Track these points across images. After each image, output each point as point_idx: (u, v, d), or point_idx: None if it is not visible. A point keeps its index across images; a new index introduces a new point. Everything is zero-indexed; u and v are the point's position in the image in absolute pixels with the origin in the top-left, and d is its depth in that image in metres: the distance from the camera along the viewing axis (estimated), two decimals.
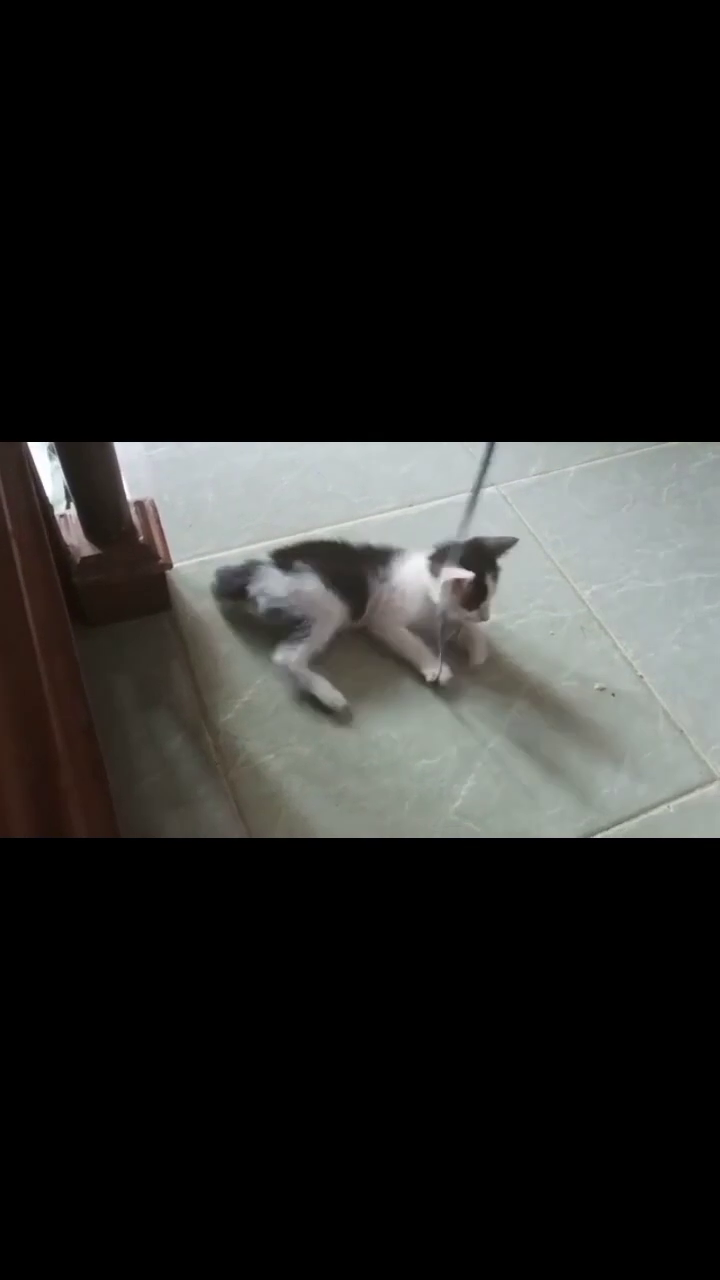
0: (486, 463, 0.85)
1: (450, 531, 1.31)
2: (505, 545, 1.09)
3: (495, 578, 1.08)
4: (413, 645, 1.11)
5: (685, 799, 1.02)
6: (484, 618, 1.11)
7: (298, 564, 1.09)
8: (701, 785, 1.03)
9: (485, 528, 1.23)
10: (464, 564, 1.02)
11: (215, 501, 1.30)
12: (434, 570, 1.07)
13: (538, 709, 1.09)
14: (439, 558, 1.06)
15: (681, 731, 1.08)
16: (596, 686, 1.12)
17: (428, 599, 1.09)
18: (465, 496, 0.92)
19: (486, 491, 1.38)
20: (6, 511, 0.61)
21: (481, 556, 1.06)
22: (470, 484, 0.88)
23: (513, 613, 1.20)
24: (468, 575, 1.02)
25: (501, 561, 1.09)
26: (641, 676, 1.14)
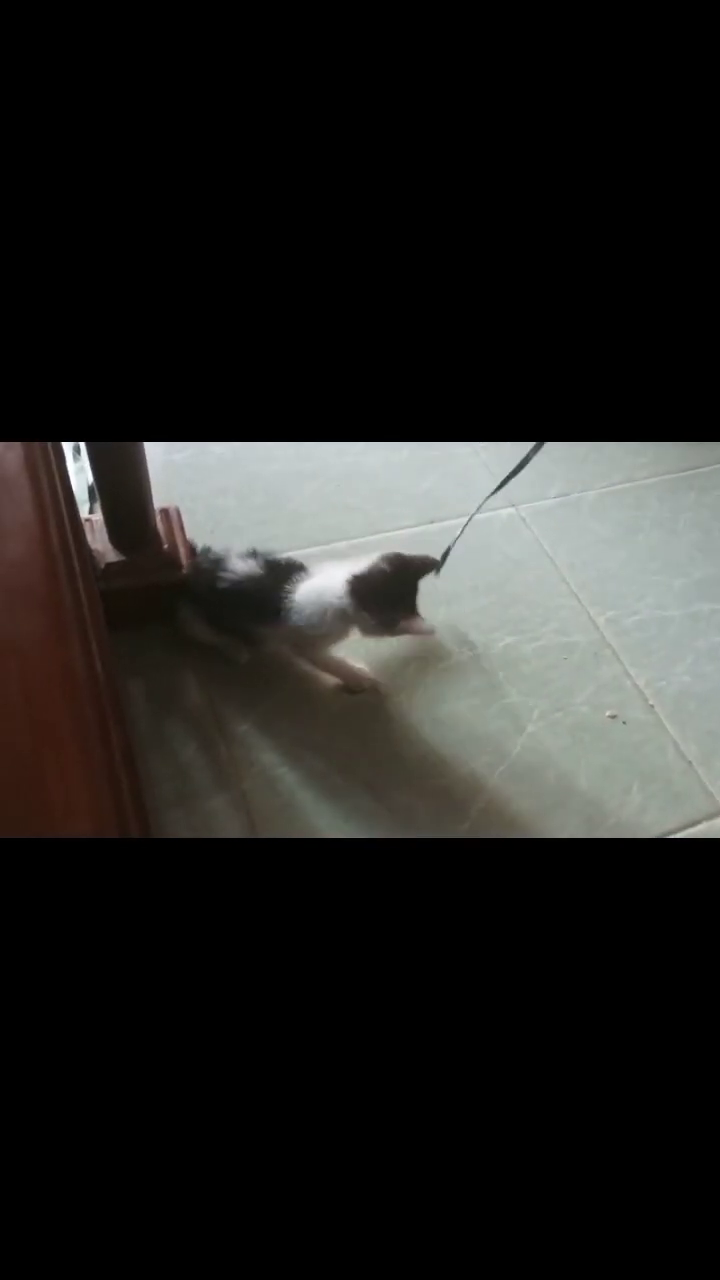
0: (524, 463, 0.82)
1: (468, 550, 1.32)
2: (429, 567, 1.00)
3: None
4: (335, 664, 1.07)
5: (691, 830, 1.03)
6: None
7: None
8: (708, 817, 1.04)
9: (501, 547, 1.24)
10: (388, 597, 0.95)
11: (237, 509, 1.30)
12: (358, 598, 0.94)
13: (549, 734, 1.10)
14: (363, 591, 0.94)
15: (690, 762, 1.09)
16: (607, 713, 1.13)
17: (344, 621, 0.98)
18: (485, 516, 0.91)
19: (505, 512, 1.40)
20: (66, 516, 0.62)
21: (405, 585, 0.98)
22: (492, 503, 0.86)
23: (527, 635, 1.21)
24: (429, 631, 1.00)
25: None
26: (652, 705, 1.15)
